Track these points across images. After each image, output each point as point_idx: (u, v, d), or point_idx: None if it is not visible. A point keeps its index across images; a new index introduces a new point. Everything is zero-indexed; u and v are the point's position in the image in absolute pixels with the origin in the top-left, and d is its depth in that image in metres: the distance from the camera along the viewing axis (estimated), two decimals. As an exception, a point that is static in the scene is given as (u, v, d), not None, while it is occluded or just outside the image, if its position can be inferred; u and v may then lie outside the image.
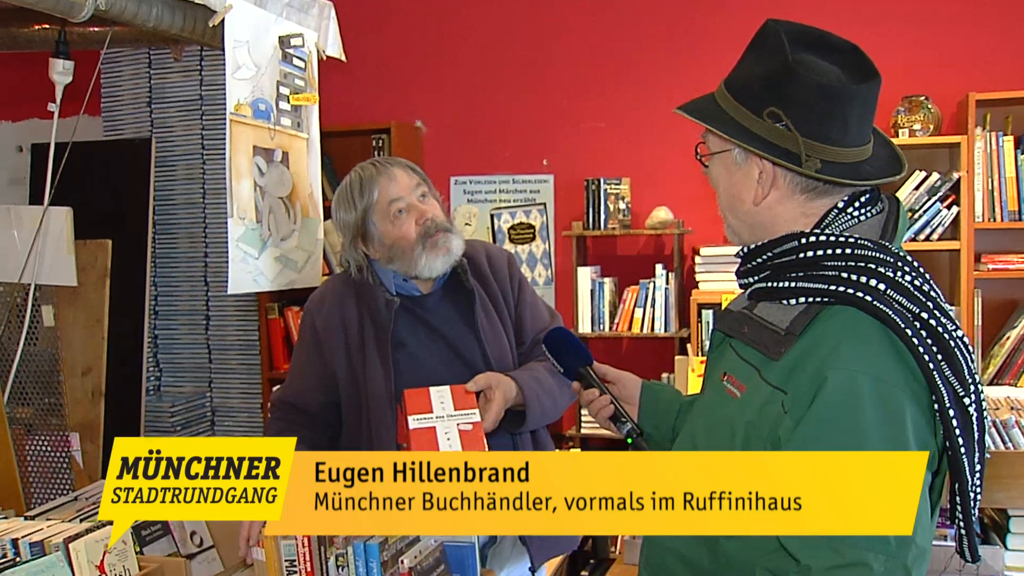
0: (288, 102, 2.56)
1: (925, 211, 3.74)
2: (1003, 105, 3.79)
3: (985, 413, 1.33)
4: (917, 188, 3.77)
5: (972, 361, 1.32)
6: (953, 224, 3.75)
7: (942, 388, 1.26)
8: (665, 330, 4.09)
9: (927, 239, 3.76)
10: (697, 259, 4.05)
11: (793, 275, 1.37)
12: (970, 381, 1.30)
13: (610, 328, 4.18)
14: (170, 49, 3.69)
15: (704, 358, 3.72)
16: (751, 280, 1.48)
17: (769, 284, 1.42)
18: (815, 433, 1.27)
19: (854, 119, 1.39)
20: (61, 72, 2.92)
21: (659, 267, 4.11)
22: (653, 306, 4.10)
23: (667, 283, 4.08)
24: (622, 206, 4.21)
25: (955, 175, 3.71)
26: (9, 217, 3.63)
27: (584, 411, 4.09)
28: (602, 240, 4.44)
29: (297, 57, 2.59)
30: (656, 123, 4.31)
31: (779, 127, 1.37)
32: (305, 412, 2.37)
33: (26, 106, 5.21)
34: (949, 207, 3.73)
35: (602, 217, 4.20)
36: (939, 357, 1.28)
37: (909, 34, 4.06)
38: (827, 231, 1.38)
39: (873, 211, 1.42)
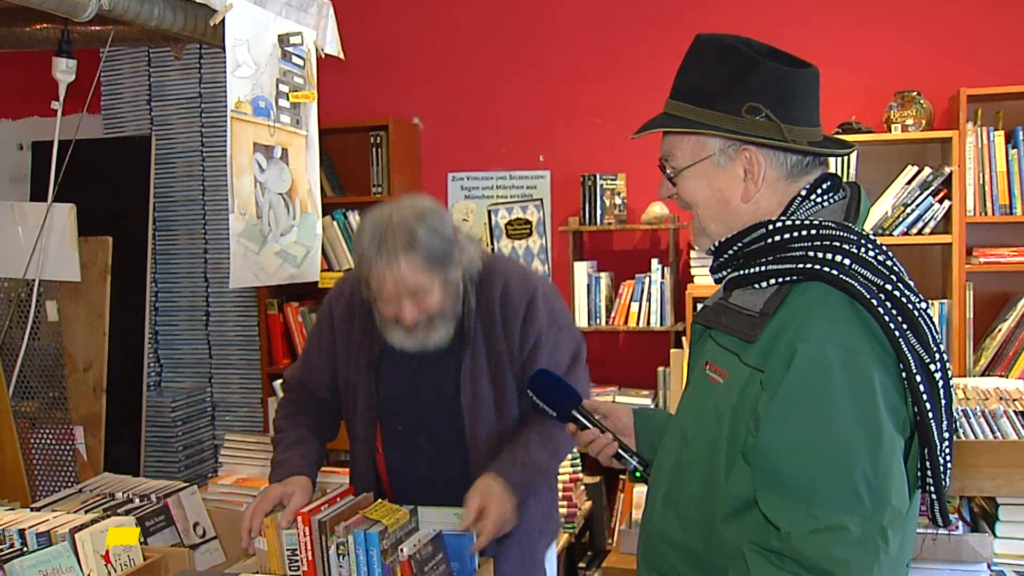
0: (287, 99, 2.60)
1: (917, 205, 3.78)
2: (994, 100, 3.83)
3: (951, 383, 1.39)
4: (909, 183, 3.80)
5: (936, 332, 1.38)
6: (945, 218, 3.78)
7: (908, 355, 1.31)
8: (661, 324, 4.13)
9: (919, 233, 3.80)
10: (692, 253, 4.09)
11: (763, 260, 1.43)
12: (935, 349, 1.36)
13: (606, 322, 4.21)
14: (171, 48, 3.71)
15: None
16: (725, 273, 1.53)
17: (741, 272, 1.47)
18: (787, 402, 1.32)
19: (811, 101, 1.48)
20: (64, 71, 2.95)
21: (655, 261, 4.14)
22: (649, 300, 4.14)
23: (662, 277, 4.12)
24: (618, 201, 4.25)
25: (947, 169, 3.75)
26: (13, 213, 3.66)
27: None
28: (598, 235, 4.48)
29: (296, 55, 2.63)
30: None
31: (760, 120, 1.43)
32: (315, 394, 2.44)
33: (26, 104, 5.24)
34: (941, 201, 3.77)
35: (598, 212, 4.24)
36: (904, 327, 1.33)
37: (901, 29, 4.10)
38: (792, 217, 1.45)
39: (835, 197, 1.49)
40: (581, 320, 4.20)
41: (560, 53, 4.54)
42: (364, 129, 4.55)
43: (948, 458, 1.39)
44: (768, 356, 1.37)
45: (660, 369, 4.14)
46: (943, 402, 1.36)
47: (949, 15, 4.05)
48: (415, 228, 2.07)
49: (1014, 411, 2.72)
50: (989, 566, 2.64)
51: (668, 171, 1.57)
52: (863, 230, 1.44)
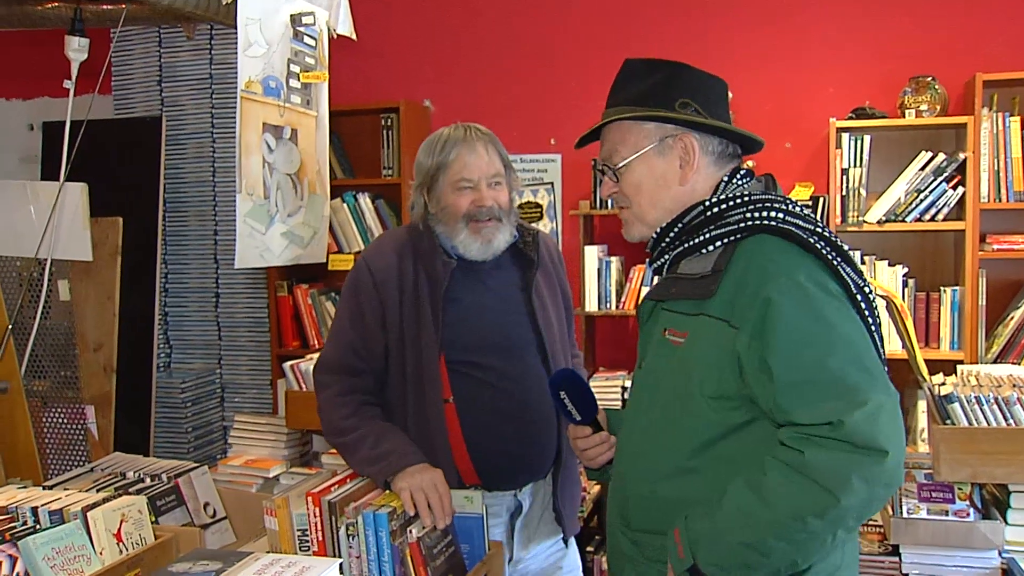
0: (298, 80, 2.59)
1: (931, 191, 3.76)
2: (1010, 86, 3.79)
3: (875, 305, 1.65)
4: (923, 168, 3.78)
5: (858, 265, 1.65)
6: (958, 204, 3.76)
7: (849, 280, 1.59)
8: (671, 309, 4.11)
9: (932, 219, 3.77)
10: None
11: (705, 230, 1.67)
12: (863, 280, 1.63)
13: (617, 306, 4.20)
14: (182, 27, 3.70)
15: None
16: (664, 260, 1.74)
17: (685, 245, 1.69)
18: (790, 332, 1.51)
19: (726, 104, 1.77)
20: (76, 49, 2.94)
21: (664, 246, 4.12)
22: (659, 285, 4.12)
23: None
24: (629, 185, 4.23)
25: (961, 155, 3.72)
26: (26, 193, 3.66)
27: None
28: (609, 219, 4.46)
29: (308, 35, 2.62)
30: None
31: (691, 113, 1.70)
32: (360, 371, 2.31)
33: (37, 84, 5.24)
34: (955, 187, 3.74)
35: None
36: (839, 259, 1.60)
37: (916, 14, 4.06)
38: (722, 195, 1.70)
39: (752, 181, 1.76)
40: (591, 304, 4.19)
41: (572, 35, 4.51)
42: (375, 111, 4.53)
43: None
44: (734, 304, 1.57)
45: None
46: (877, 321, 1.63)
47: (965, 0, 4.01)
48: (491, 131, 2.36)
49: (1027, 398, 2.71)
50: (1000, 553, 2.63)
51: (611, 168, 1.79)
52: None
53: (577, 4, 4.50)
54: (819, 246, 1.58)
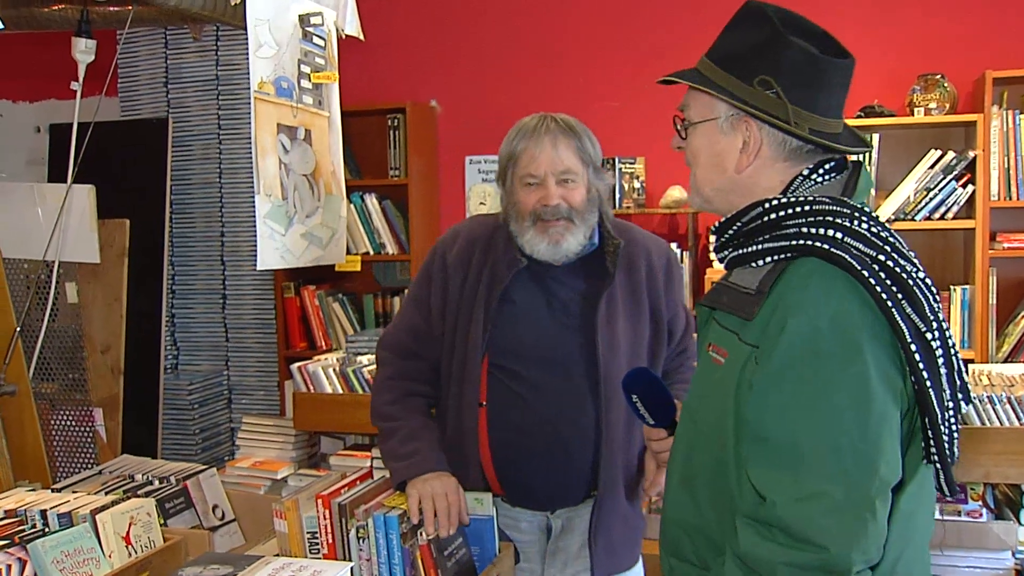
0: (309, 80, 2.58)
1: (940, 190, 3.74)
2: (1020, 83, 3.77)
3: (953, 351, 1.39)
4: (932, 167, 3.76)
5: (935, 300, 1.38)
6: (968, 203, 3.74)
7: (902, 324, 1.32)
8: (679, 309, 4.10)
9: (942, 218, 3.76)
10: (711, 237, 4.05)
11: (759, 239, 1.45)
12: (932, 318, 1.36)
13: (625, 307, 4.18)
14: (188, 29, 3.70)
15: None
16: (727, 253, 1.54)
17: (740, 251, 1.49)
18: (775, 372, 1.33)
19: (835, 91, 1.47)
20: (83, 51, 2.94)
21: (674, 246, 4.09)
22: (668, 285, 4.11)
23: (682, 261, 4.09)
24: (637, 185, 4.22)
25: (971, 153, 3.70)
26: (33, 195, 3.66)
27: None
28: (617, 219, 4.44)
29: (317, 35, 2.61)
30: (671, 102, 4.27)
31: (769, 94, 1.43)
32: (416, 356, 2.28)
33: (44, 87, 5.24)
34: (964, 186, 3.73)
35: (617, 196, 4.21)
36: (899, 296, 1.33)
37: (925, 12, 4.04)
38: (790, 195, 1.46)
39: (837, 176, 1.50)
40: (599, 304, 4.17)
41: (578, 35, 4.50)
42: (382, 112, 4.53)
43: (953, 427, 1.39)
44: (764, 333, 1.38)
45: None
46: (943, 370, 1.36)
47: (974, -3, 4.00)
48: (574, 122, 2.21)
49: (1040, 398, 2.70)
50: (1014, 553, 2.62)
51: (682, 123, 1.61)
52: (862, 203, 1.45)
53: (582, 4, 4.49)
54: (872, 281, 1.32)
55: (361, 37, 2.85)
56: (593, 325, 2.16)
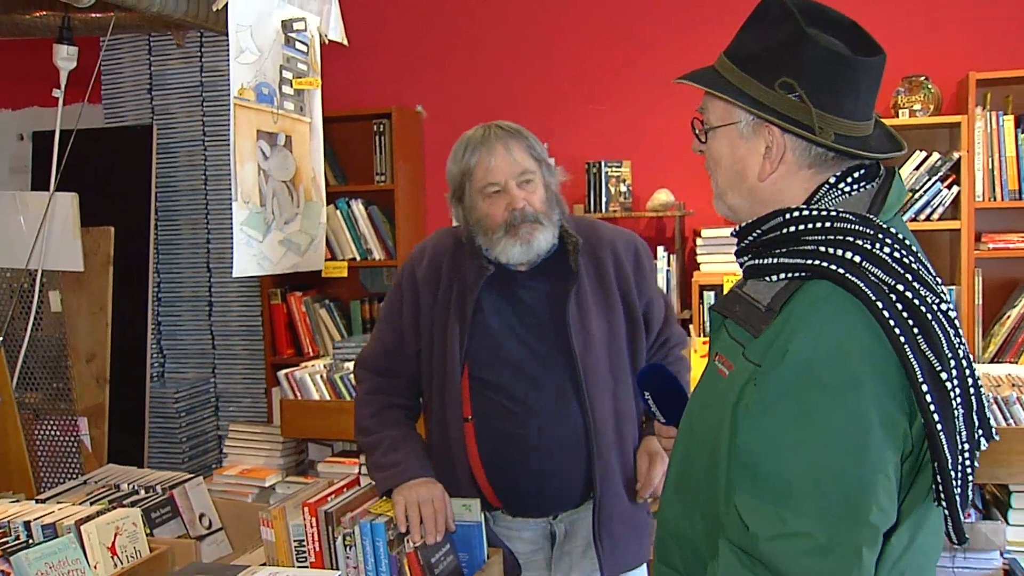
0: (291, 86, 2.57)
1: (925, 191, 3.75)
2: (1003, 84, 3.79)
3: (973, 389, 1.29)
4: (917, 168, 3.77)
5: (957, 335, 1.28)
6: (953, 204, 3.75)
7: (913, 361, 1.22)
8: (667, 312, 4.10)
9: (927, 219, 3.77)
10: (698, 241, 4.06)
11: (777, 251, 1.36)
12: (950, 356, 1.25)
13: (612, 310, 4.18)
14: (172, 35, 3.68)
15: (706, 338, 3.74)
16: (747, 259, 1.45)
17: (757, 261, 1.40)
18: (770, 401, 1.26)
19: (864, 92, 1.37)
20: (65, 58, 2.92)
21: (660, 249, 4.11)
22: (655, 288, 4.11)
23: (668, 265, 4.09)
24: (623, 189, 4.22)
25: (955, 155, 3.72)
26: (15, 203, 3.63)
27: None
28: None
29: (300, 41, 2.60)
30: (657, 106, 4.31)
31: (792, 98, 1.34)
32: (393, 373, 2.28)
33: (26, 94, 5.22)
34: (949, 187, 3.74)
35: (603, 200, 4.21)
36: (915, 330, 1.24)
37: (909, 13, 4.06)
38: (814, 206, 1.36)
39: (867, 186, 1.39)
40: (587, 308, 4.17)
41: (564, 39, 4.50)
42: (367, 117, 4.52)
43: (968, 471, 1.29)
44: (766, 354, 1.30)
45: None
46: (960, 411, 1.25)
47: (957, -1, 4.02)
48: (516, 125, 2.22)
49: (1026, 398, 2.70)
50: (1002, 553, 2.62)
51: (702, 126, 1.49)
52: (890, 222, 1.34)
53: (570, 8, 4.49)
54: (886, 313, 1.23)
55: (345, 43, 2.84)
56: (565, 325, 2.15)
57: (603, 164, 4.19)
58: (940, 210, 3.75)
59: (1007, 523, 2.63)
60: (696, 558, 1.46)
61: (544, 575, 2.26)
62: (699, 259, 4.05)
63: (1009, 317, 3.75)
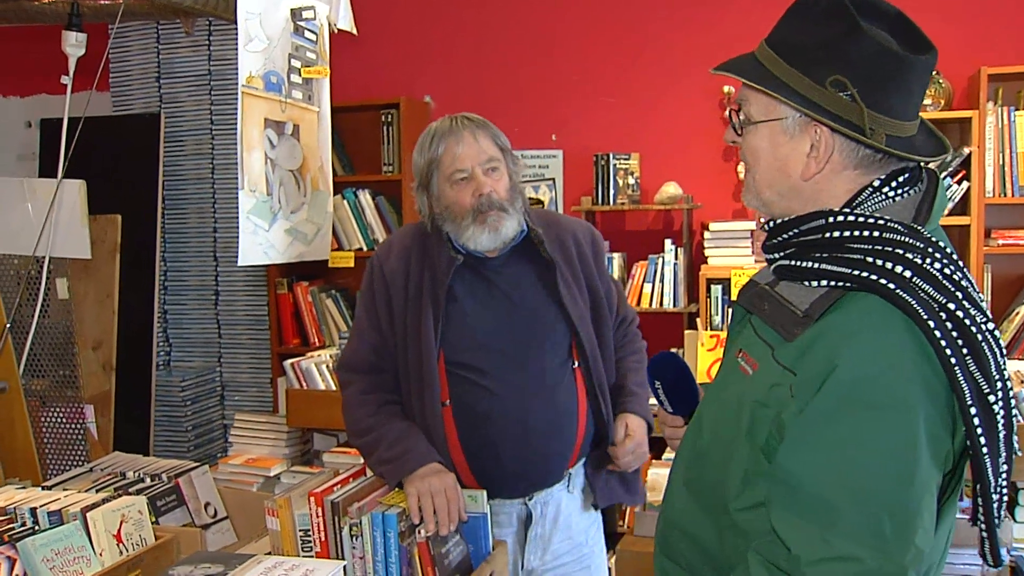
0: (300, 75, 2.56)
1: (935, 186, 3.73)
2: (1015, 80, 3.77)
3: (1015, 411, 1.26)
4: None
5: (1002, 356, 1.25)
6: (963, 199, 3.74)
7: (964, 384, 1.18)
8: (674, 305, 4.09)
9: (937, 214, 3.75)
10: (706, 234, 4.05)
11: (817, 255, 1.30)
12: (997, 377, 1.22)
13: (619, 303, 4.18)
14: (181, 22, 3.67)
15: (713, 332, 3.73)
16: (776, 256, 1.40)
17: (793, 263, 1.34)
18: (817, 420, 1.22)
19: (915, 91, 1.32)
20: (74, 44, 2.92)
21: (668, 242, 4.10)
22: (662, 281, 4.10)
23: (676, 258, 4.08)
24: (631, 181, 4.21)
25: (966, 150, 3.70)
26: (23, 190, 3.63)
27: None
28: (611, 215, 4.44)
29: (309, 30, 2.59)
30: (666, 98, 4.29)
31: (843, 96, 1.27)
32: (381, 370, 2.29)
33: (34, 81, 5.21)
34: (959, 182, 3.72)
35: (611, 192, 4.19)
36: (964, 351, 1.20)
37: (921, 7, 4.00)
38: (857, 211, 1.31)
39: (910, 191, 1.34)
40: (593, 301, 4.16)
41: (573, 31, 4.49)
42: (375, 107, 4.51)
43: (1004, 493, 1.27)
44: (803, 360, 1.26)
45: (674, 350, 4.10)
46: (1002, 433, 1.22)
47: (970, -7, 3.99)
48: (483, 118, 2.28)
49: (1035, 395, 2.69)
50: (1009, 551, 2.61)
51: (739, 119, 1.42)
52: (935, 234, 1.29)
53: (579, 1, 4.48)
54: (938, 333, 1.18)
55: (354, 32, 2.83)
56: (560, 303, 2.23)
57: (611, 156, 4.17)
58: (949, 206, 3.73)
59: (1014, 520, 2.62)
60: (704, 557, 1.45)
61: (517, 556, 2.29)
62: (707, 252, 4.04)
63: (1018, 314, 3.73)
